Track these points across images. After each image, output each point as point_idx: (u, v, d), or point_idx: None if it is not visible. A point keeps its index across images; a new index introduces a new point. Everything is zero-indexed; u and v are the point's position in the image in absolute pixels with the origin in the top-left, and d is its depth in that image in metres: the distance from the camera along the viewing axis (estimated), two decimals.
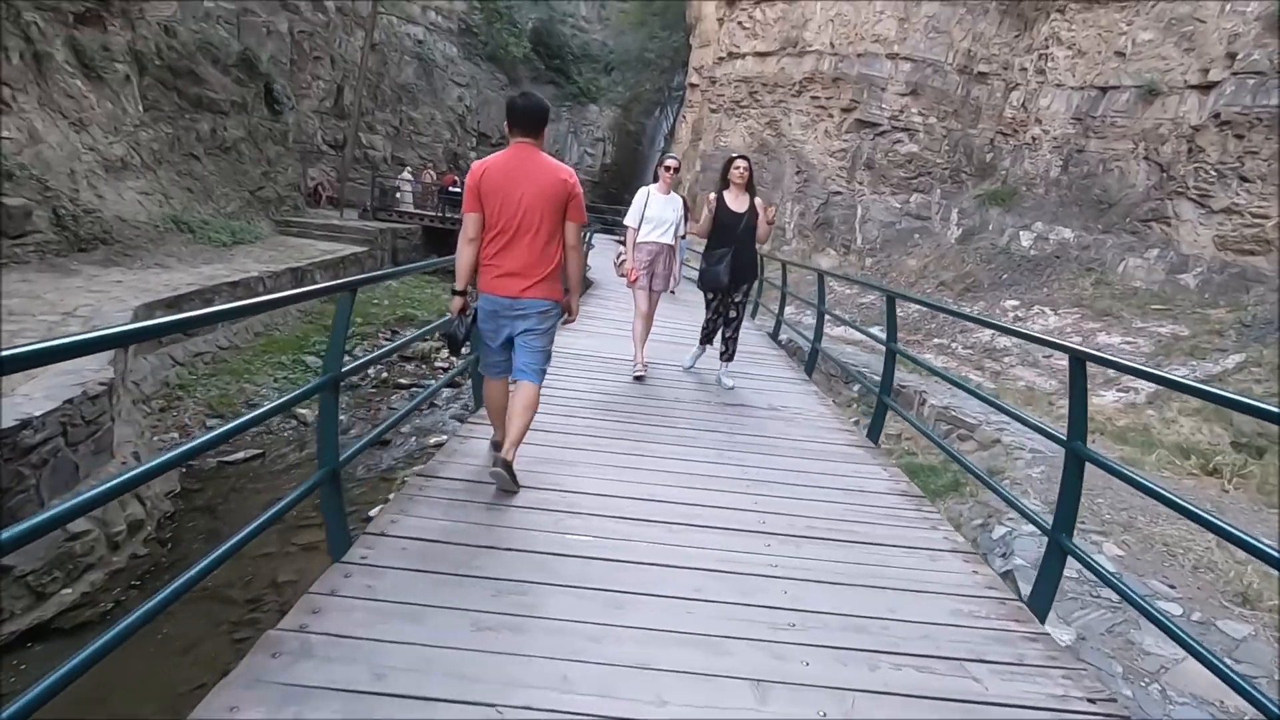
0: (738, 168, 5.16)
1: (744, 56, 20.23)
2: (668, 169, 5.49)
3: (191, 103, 13.09)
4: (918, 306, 12.35)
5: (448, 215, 19.73)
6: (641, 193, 5.50)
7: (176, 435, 6.79)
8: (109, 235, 9.55)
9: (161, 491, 5.79)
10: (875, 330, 10.52)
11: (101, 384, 4.96)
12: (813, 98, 17.35)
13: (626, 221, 5.50)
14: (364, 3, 23.01)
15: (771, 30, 18.86)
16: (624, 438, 3.95)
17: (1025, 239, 12.92)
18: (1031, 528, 3.98)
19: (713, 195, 5.15)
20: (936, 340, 10.88)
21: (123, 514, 4.94)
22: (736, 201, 5.15)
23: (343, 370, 2.44)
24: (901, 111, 15.54)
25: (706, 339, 5.68)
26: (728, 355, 5.48)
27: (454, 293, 3.02)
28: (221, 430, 1.86)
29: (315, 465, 2.48)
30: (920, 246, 14.77)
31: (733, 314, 5.34)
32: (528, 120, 2.94)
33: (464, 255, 2.95)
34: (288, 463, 6.97)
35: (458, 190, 20.80)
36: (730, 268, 5.06)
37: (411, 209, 20.26)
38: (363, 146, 24.44)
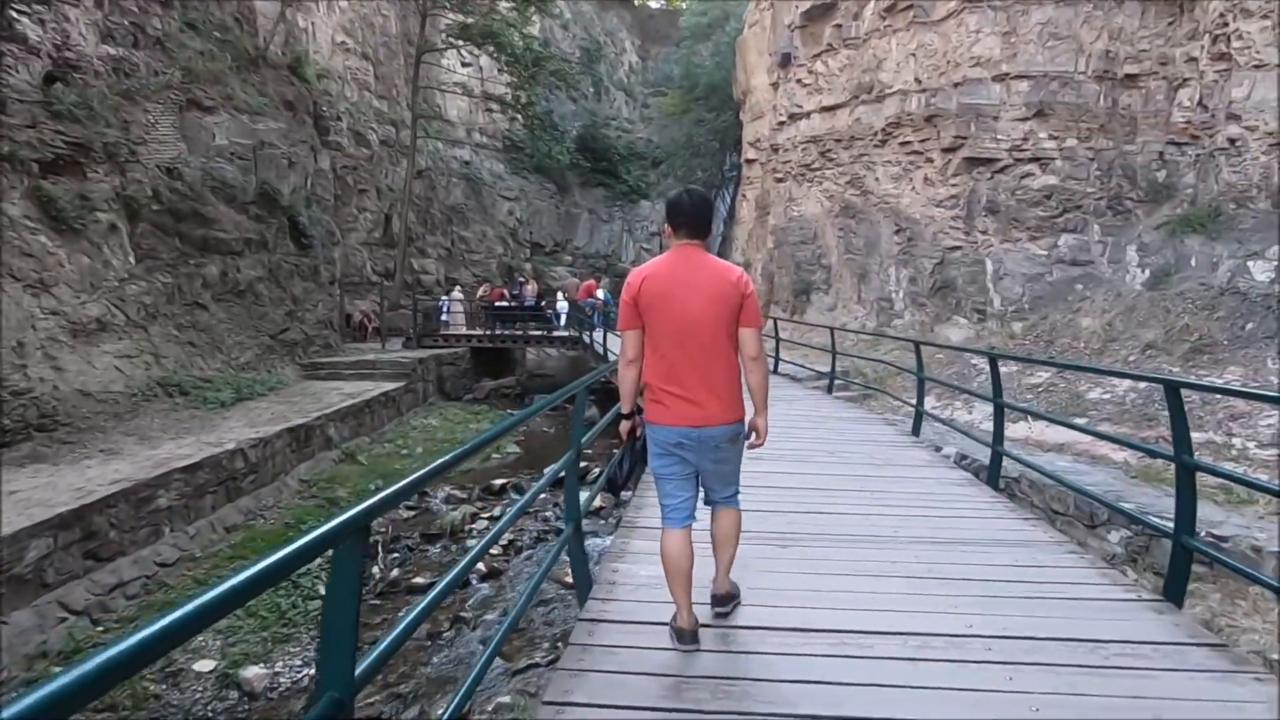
0: None
1: (808, 115, 17.91)
2: None
3: (197, 246, 11.56)
4: (1129, 382, 8.78)
5: (496, 333, 17.74)
6: None
7: None
8: (51, 419, 7.50)
9: None
10: (1114, 429, 6.89)
11: None
12: (902, 143, 14.58)
13: None
14: (407, 132, 22.46)
15: (838, 80, 16.51)
16: None
17: (1261, 271, 9.28)
18: None
19: None
20: (1196, 435, 7.24)
21: None
22: None
23: None
24: (1025, 139, 12.50)
25: None
26: None
27: (621, 416, 2.78)
28: None
29: None
30: (1091, 300, 11.25)
31: None
32: (696, 219, 2.58)
33: (627, 378, 2.65)
34: None
35: (505, 304, 18.90)
36: None
37: (462, 330, 18.30)
38: (414, 272, 23.33)
